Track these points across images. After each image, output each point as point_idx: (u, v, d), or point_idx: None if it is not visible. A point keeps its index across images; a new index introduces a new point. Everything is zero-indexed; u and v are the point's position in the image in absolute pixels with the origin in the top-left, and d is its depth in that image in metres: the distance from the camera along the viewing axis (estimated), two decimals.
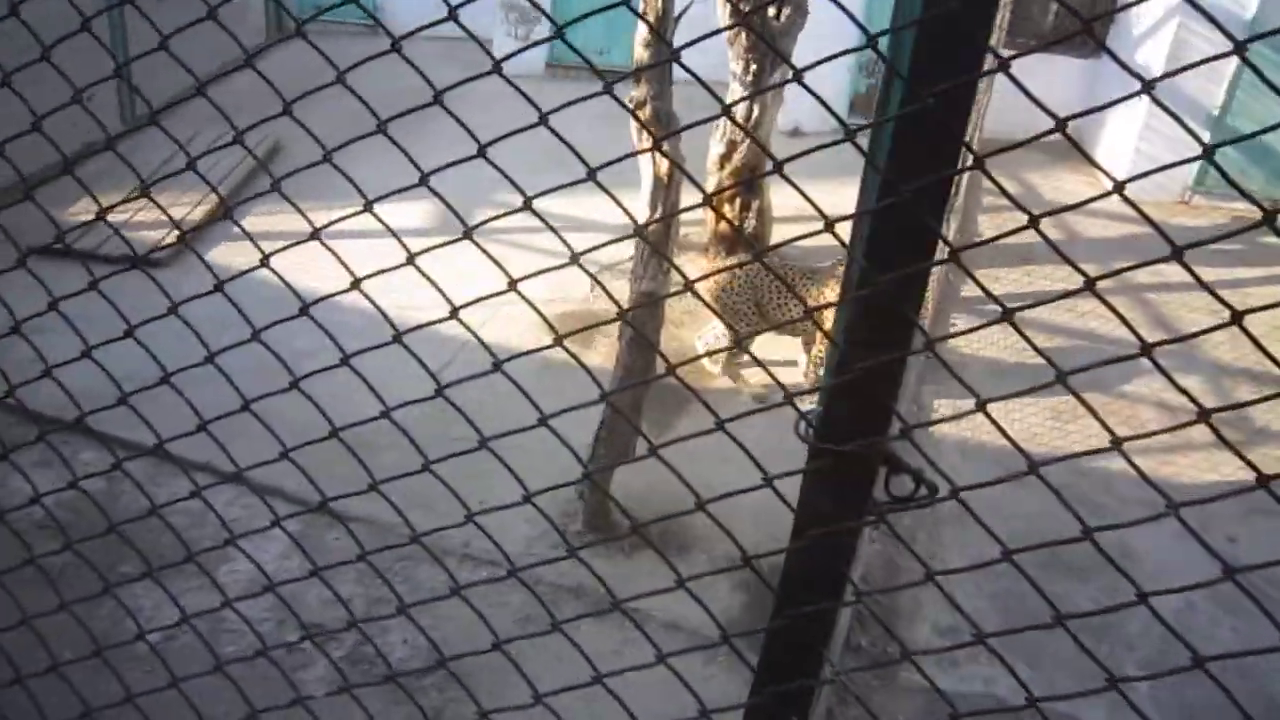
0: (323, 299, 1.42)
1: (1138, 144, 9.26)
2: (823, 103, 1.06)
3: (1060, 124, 0.93)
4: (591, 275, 1.27)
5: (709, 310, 6.80)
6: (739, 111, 7.43)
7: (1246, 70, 8.71)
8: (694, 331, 7.18)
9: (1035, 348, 1.00)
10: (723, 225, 7.78)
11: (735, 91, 7.48)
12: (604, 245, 1.28)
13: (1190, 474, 6.35)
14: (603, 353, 6.87)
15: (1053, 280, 8.15)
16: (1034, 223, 0.94)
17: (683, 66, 1.17)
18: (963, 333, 1.12)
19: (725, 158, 7.58)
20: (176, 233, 7.76)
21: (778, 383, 1.11)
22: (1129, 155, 9.41)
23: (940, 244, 0.99)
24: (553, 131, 1.12)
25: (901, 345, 1.02)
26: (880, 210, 1.00)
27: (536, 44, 1.18)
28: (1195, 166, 9.35)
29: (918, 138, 1.00)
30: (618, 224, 8.21)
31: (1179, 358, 7.60)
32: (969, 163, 0.97)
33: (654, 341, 5.10)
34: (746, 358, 6.81)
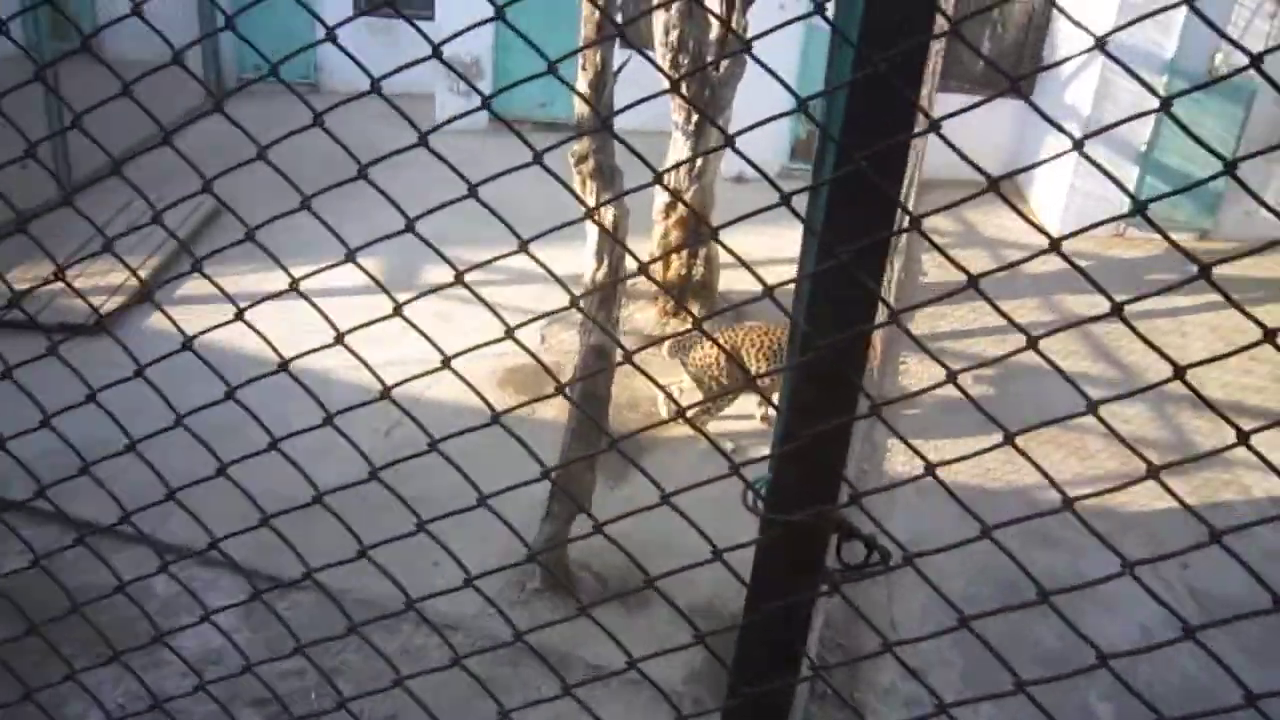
0: (252, 380, 1.37)
1: (1072, 180, 9.52)
2: (759, 169, 1.05)
3: (993, 183, 0.93)
4: (531, 352, 1.24)
5: (682, 368, 6.78)
6: (683, 160, 7.50)
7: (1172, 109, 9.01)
8: (646, 380, 7.15)
9: (981, 409, 0.98)
10: (670, 273, 7.80)
11: (678, 140, 7.56)
12: (542, 315, 1.25)
13: (1141, 501, 6.43)
14: (556, 405, 6.81)
15: (997, 316, 8.28)
16: (973, 283, 0.93)
17: (617, 139, 1.15)
18: (910, 396, 1.10)
19: (671, 206, 7.63)
20: (118, 298, 7.62)
21: (727, 458, 1.08)
22: (1064, 191, 9.67)
23: (881, 306, 0.98)
24: (483, 204, 1.09)
25: (847, 409, 1.00)
26: (819, 274, 0.99)
27: (469, 112, 1.16)
28: (1128, 199, 9.61)
29: (852, 200, 0.99)
30: (566, 274, 8.17)
31: (1122, 386, 7.75)
32: (906, 223, 0.96)
33: (606, 393, 5.06)
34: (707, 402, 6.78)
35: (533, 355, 1.17)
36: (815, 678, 1.09)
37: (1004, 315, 0.98)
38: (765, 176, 1.08)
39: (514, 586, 5.44)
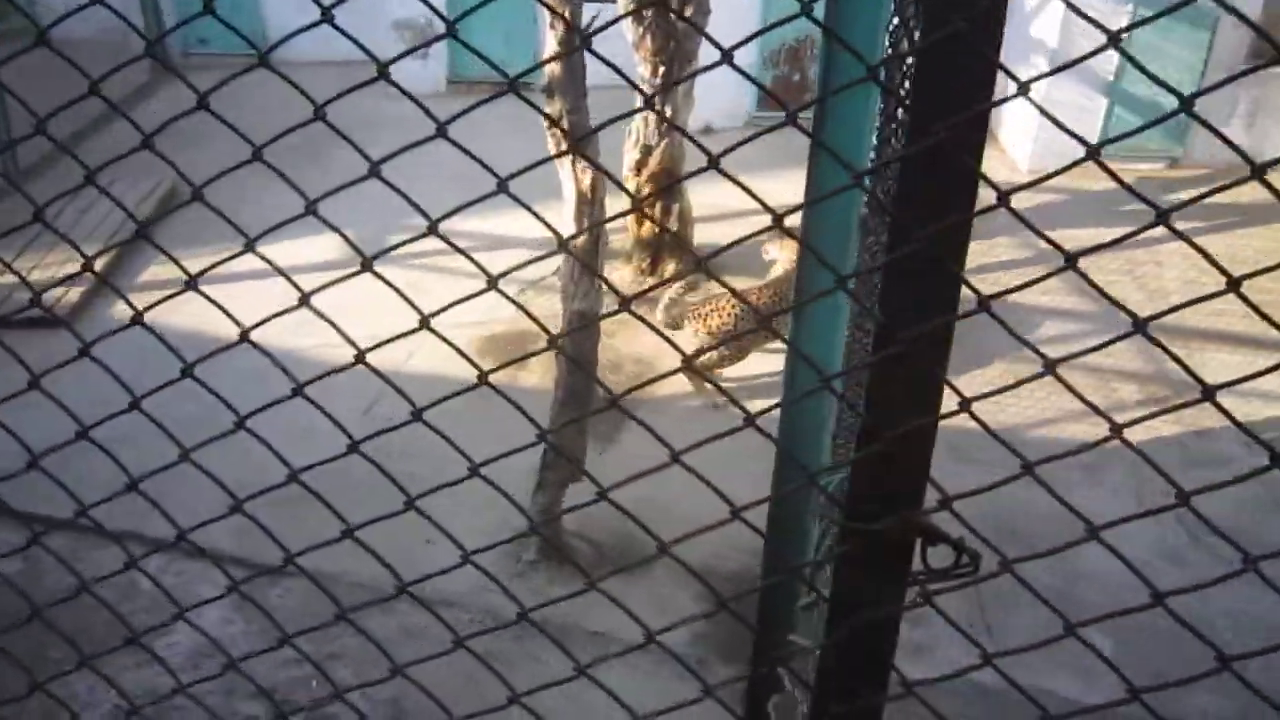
0: (261, 409, 1.27)
1: (1040, 116, 9.45)
2: (834, 152, 0.95)
3: (1091, 151, 0.83)
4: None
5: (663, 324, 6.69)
6: (651, 115, 7.34)
7: (1138, 37, 8.92)
8: (628, 341, 7.06)
9: (1092, 407, 0.90)
10: (645, 231, 7.68)
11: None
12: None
13: (1127, 435, 6.45)
14: (539, 373, 6.71)
15: (986, 256, 8.29)
16: (1072, 263, 0.84)
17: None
18: (998, 391, 1.02)
19: (641, 163, 7.50)
20: (79, 288, 7.39)
21: (801, 466, 0.99)
22: (1032, 127, 9.61)
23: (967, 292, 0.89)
24: (520, 202, 0.99)
25: (930, 406, 0.91)
26: (893, 260, 0.90)
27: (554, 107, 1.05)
28: (1098, 132, 9.56)
29: (928, 176, 0.90)
30: (539, 239, 8.02)
31: (1101, 320, 7.76)
32: (991, 201, 0.87)
33: (593, 359, 4.97)
34: (713, 363, 6.72)
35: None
36: (906, 693, 1.01)
37: (1111, 300, 0.89)
38: (839, 159, 0.98)
39: (509, 559, 5.38)
